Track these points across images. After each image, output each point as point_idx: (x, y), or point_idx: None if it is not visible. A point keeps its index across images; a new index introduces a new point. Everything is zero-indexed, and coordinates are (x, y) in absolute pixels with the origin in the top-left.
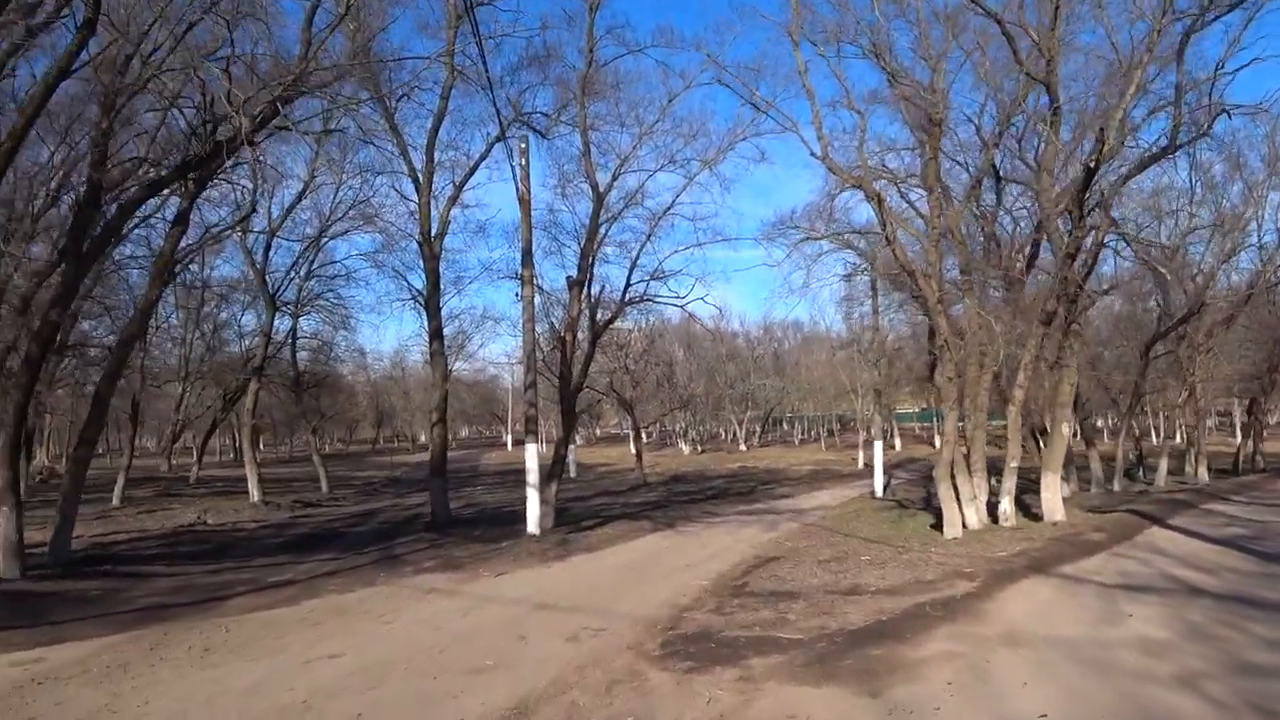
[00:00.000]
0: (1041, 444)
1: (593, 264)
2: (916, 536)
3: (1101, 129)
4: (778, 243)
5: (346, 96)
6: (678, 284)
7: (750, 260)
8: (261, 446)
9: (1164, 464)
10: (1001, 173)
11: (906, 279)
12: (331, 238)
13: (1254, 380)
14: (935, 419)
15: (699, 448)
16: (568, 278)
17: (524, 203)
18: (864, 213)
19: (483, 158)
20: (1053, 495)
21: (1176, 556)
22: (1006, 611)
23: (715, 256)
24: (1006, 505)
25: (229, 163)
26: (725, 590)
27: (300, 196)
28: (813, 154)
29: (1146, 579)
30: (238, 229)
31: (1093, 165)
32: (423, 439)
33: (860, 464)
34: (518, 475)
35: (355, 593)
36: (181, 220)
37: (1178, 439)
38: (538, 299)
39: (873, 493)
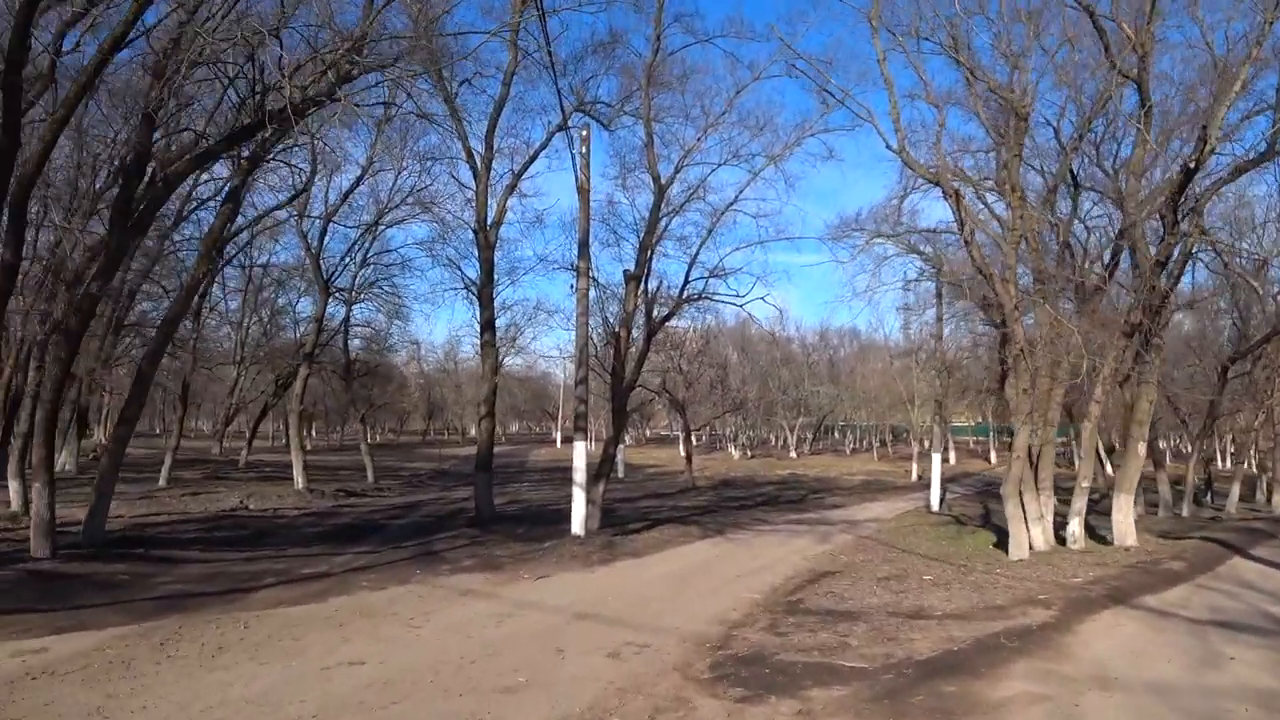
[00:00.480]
0: (1108, 464)
1: (651, 258)
2: (979, 556)
3: (1204, 126)
4: (843, 244)
5: (405, 67)
6: (737, 282)
7: (813, 264)
8: (313, 434)
9: (1236, 490)
10: (1079, 179)
11: (971, 287)
12: (388, 225)
13: None
14: (990, 433)
15: (749, 453)
16: (625, 271)
17: (583, 192)
18: (931, 217)
19: (543, 146)
20: (1124, 518)
21: (1269, 591)
22: (1091, 647)
23: (776, 258)
24: (1076, 527)
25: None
26: (779, 606)
27: (358, 182)
28: (888, 146)
29: (1240, 616)
30: (291, 208)
31: (1193, 166)
32: (472, 432)
33: (914, 476)
34: (565, 473)
35: (387, 590)
36: (233, 198)
37: (1247, 464)
38: (593, 292)
39: (929, 506)
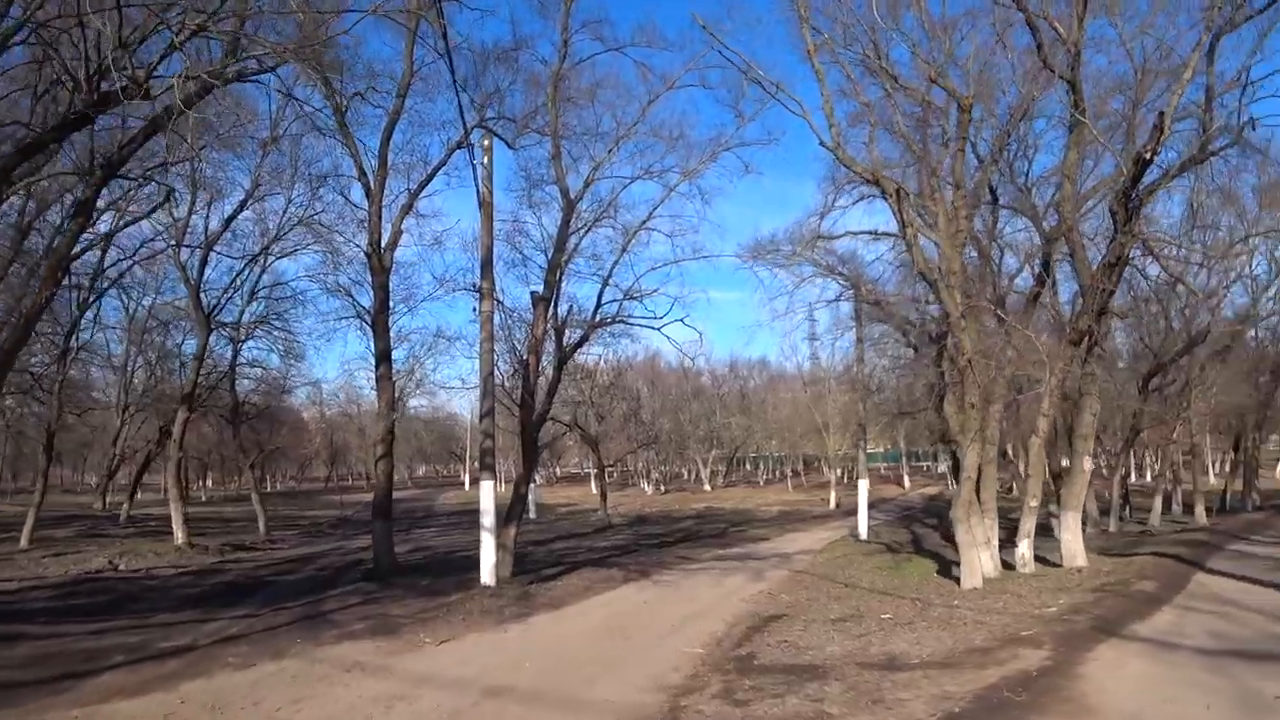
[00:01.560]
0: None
1: (561, 279)
2: (929, 587)
3: (1161, 114)
4: (763, 263)
5: (282, 43)
6: (653, 305)
7: (731, 289)
8: (207, 484)
9: (1159, 503)
10: (997, 194)
11: (892, 306)
12: (278, 256)
13: (1240, 416)
14: (901, 459)
15: (663, 488)
16: (532, 293)
17: (485, 205)
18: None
19: (442, 164)
20: (1073, 538)
21: (1260, 610)
22: (1110, 695)
23: (695, 279)
24: (1025, 550)
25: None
26: (728, 663)
27: (242, 206)
28: (822, 143)
29: (1250, 642)
30: (168, 236)
31: (1149, 155)
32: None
33: (832, 504)
34: (474, 515)
35: (255, 669)
36: (83, 211)
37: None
38: (498, 316)
39: (856, 535)
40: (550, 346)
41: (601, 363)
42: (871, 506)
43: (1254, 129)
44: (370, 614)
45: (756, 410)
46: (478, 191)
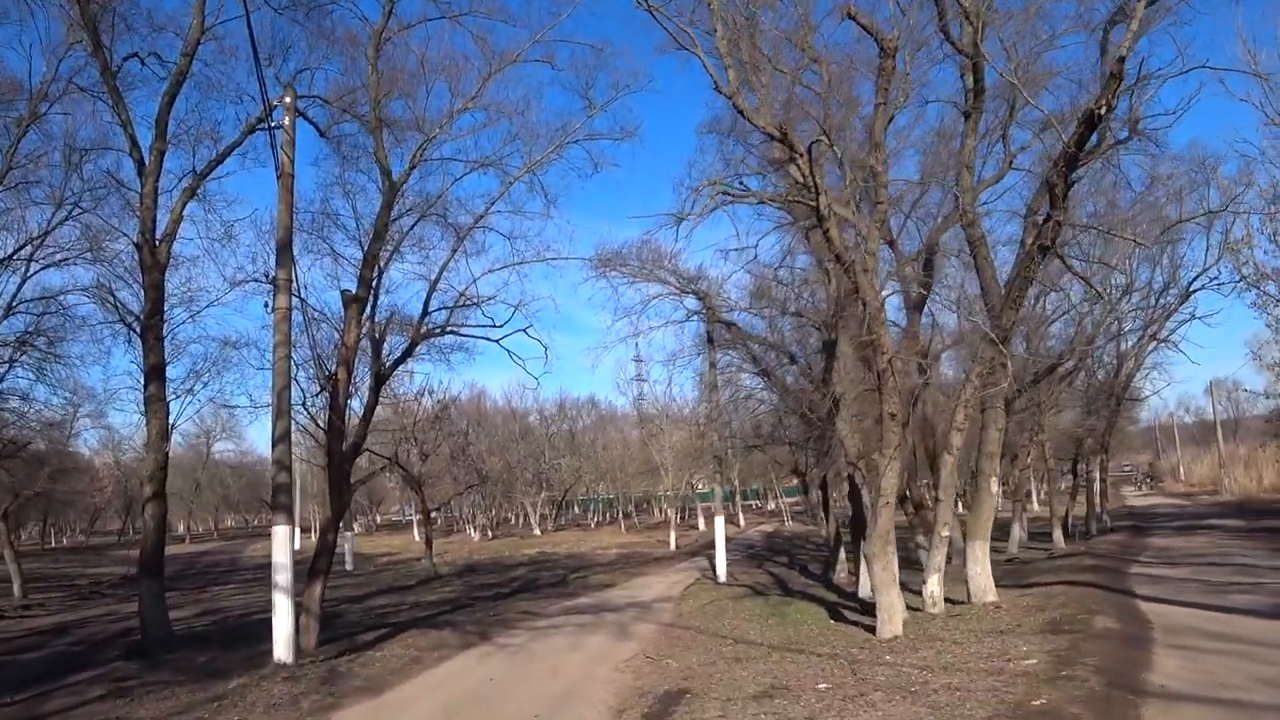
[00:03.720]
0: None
1: (380, 277)
2: (837, 638)
3: (1119, 60)
4: (612, 275)
5: None
6: (491, 313)
7: (579, 303)
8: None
9: (1017, 530)
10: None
11: (739, 334)
12: (44, 265)
13: (1079, 441)
14: (735, 497)
15: (490, 533)
16: (343, 293)
17: (284, 176)
18: (709, 242)
19: (237, 144)
20: (982, 570)
21: (1266, 643)
22: None
23: (540, 291)
24: (935, 587)
25: None
26: None
27: None
28: (718, 90)
29: None
30: None
31: (1102, 111)
32: (181, 529)
33: (672, 545)
34: (297, 565)
35: None
36: None
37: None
38: (299, 318)
39: (712, 577)
40: (366, 359)
41: (426, 396)
42: (710, 547)
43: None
44: (114, 715)
45: (586, 450)
46: (277, 162)
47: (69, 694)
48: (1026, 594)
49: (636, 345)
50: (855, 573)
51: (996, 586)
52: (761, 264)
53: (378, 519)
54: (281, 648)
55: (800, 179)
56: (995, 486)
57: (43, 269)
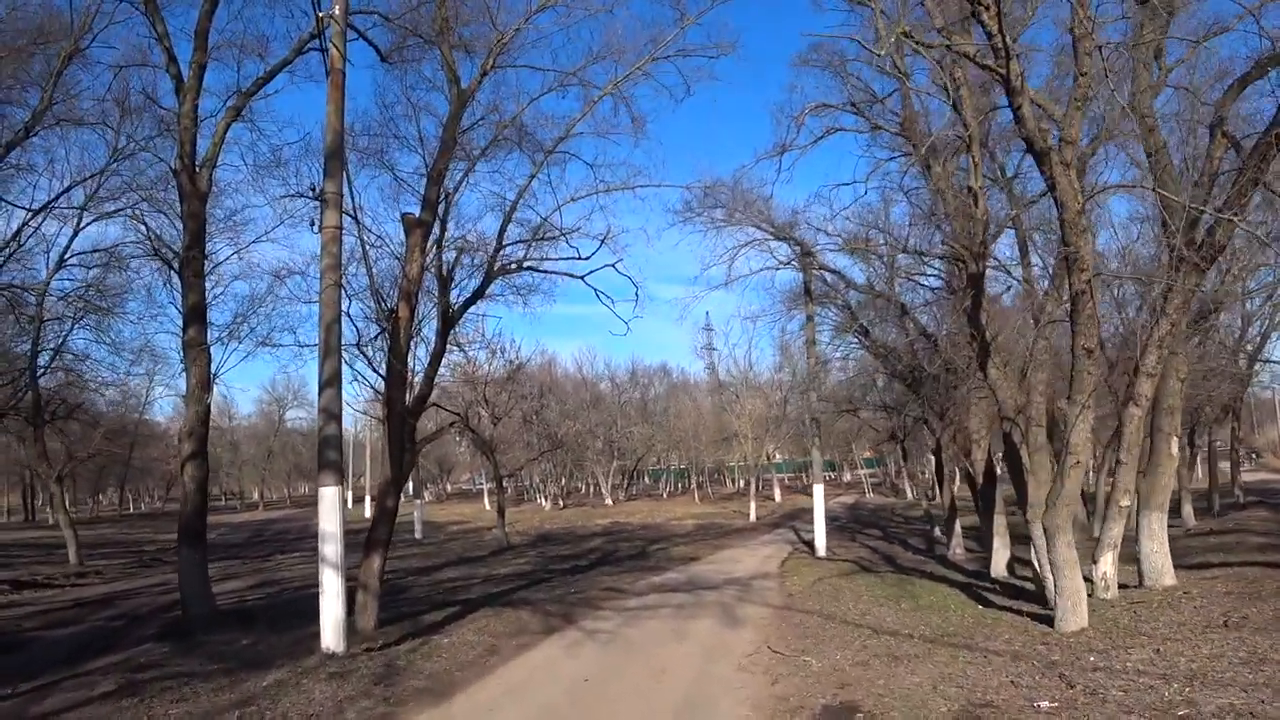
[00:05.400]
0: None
1: (447, 200)
2: (1001, 628)
3: None
4: (699, 222)
5: None
6: (574, 246)
7: (668, 245)
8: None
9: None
10: None
11: (837, 284)
12: (96, 217)
13: (1198, 408)
14: (804, 469)
15: (561, 503)
16: (404, 216)
17: (334, 73)
18: (806, 188)
19: (287, 62)
20: (1160, 546)
21: None
22: None
23: (630, 225)
24: (1108, 567)
25: None
26: None
27: (27, 132)
28: None
29: None
30: None
31: None
32: (255, 495)
33: (752, 517)
34: (358, 535)
35: None
36: None
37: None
38: (352, 241)
39: (810, 551)
40: (431, 302)
41: (493, 352)
42: (795, 519)
43: None
44: (130, 713)
45: (659, 419)
46: (325, 58)
47: (78, 686)
48: (1210, 577)
49: (708, 315)
50: (987, 549)
51: (1179, 566)
52: (864, 206)
53: (448, 487)
54: (330, 634)
55: (989, 34)
56: (1175, 448)
57: (95, 220)
